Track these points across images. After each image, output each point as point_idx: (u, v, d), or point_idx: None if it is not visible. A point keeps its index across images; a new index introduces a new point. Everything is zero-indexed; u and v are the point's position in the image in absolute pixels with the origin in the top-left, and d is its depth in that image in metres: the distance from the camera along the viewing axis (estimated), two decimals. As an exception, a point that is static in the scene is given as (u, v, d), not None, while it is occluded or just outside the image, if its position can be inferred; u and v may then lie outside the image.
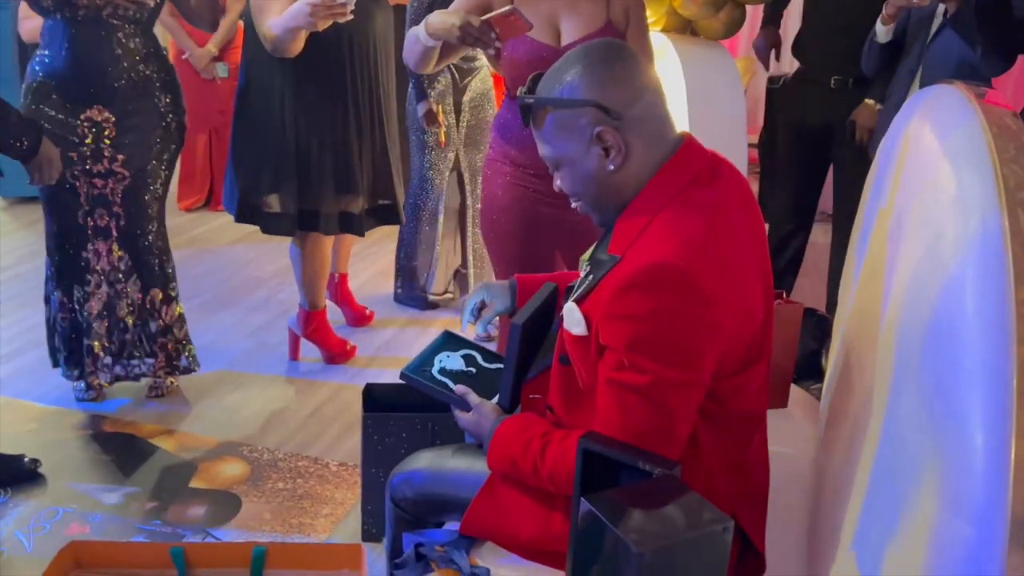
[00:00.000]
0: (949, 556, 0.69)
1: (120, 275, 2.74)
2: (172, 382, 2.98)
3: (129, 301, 2.77)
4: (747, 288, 1.31)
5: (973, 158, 0.97)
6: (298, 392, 3.09)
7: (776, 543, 1.43)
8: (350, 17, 2.60)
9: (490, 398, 1.51)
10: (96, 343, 2.76)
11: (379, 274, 4.11)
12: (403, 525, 1.62)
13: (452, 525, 1.58)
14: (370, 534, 2.24)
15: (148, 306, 2.80)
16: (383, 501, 1.92)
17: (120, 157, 2.62)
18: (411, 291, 3.76)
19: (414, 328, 3.63)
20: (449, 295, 3.82)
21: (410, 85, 3.43)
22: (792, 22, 3.75)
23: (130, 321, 2.79)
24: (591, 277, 1.33)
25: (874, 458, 1.02)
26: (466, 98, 3.47)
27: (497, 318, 1.67)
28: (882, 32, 2.52)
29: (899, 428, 0.92)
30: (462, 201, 3.64)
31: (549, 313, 1.53)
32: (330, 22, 2.63)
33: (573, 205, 1.42)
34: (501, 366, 1.56)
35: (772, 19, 3.42)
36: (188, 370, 2.92)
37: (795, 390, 2.01)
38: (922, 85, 2.39)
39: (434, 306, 3.75)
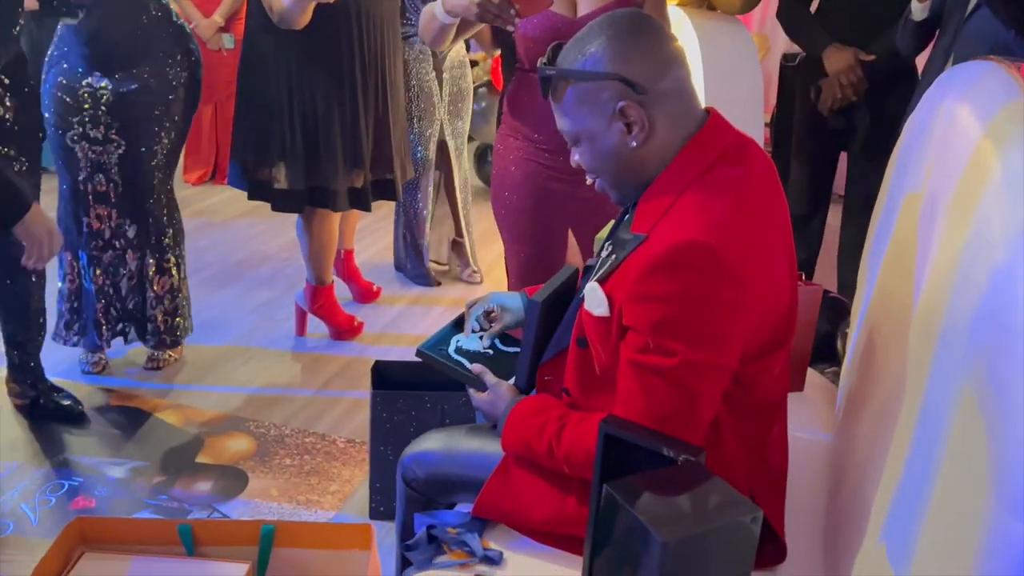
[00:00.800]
0: (1007, 555, 0.66)
1: (119, 242, 2.76)
2: (170, 355, 2.97)
3: (126, 268, 2.78)
4: (775, 269, 1.27)
5: (1019, 138, 0.93)
6: (304, 368, 3.07)
7: (793, 529, 1.40)
8: None
9: (506, 380, 1.48)
10: (98, 308, 2.79)
11: (385, 249, 4.08)
12: (414, 505, 1.60)
13: (464, 506, 1.55)
14: (378, 512, 2.23)
15: (143, 275, 2.81)
16: (391, 479, 1.90)
17: (116, 124, 2.63)
18: (417, 268, 3.75)
19: (421, 305, 3.60)
20: (444, 267, 3.87)
21: None
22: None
23: (125, 288, 2.81)
24: (614, 256, 1.29)
25: (910, 447, 0.99)
26: (446, 64, 3.49)
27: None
28: (918, 10, 2.44)
29: (940, 418, 0.88)
30: (448, 170, 3.66)
31: (568, 294, 1.49)
32: (340, -7, 2.58)
33: (589, 182, 1.38)
34: (519, 350, 1.53)
35: None
36: (174, 344, 2.93)
37: (811, 373, 1.98)
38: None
39: (437, 283, 3.74)
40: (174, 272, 2.85)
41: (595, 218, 2.03)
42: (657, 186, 1.27)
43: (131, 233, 2.76)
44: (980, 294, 0.85)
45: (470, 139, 4.20)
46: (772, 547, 1.38)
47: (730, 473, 1.26)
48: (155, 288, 2.82)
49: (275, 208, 2.96)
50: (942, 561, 0.84)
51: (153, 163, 2.72)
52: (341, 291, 3.42)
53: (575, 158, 1.36)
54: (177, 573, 1.58)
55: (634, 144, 1.26)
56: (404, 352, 3.08)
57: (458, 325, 1.64)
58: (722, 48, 2.85)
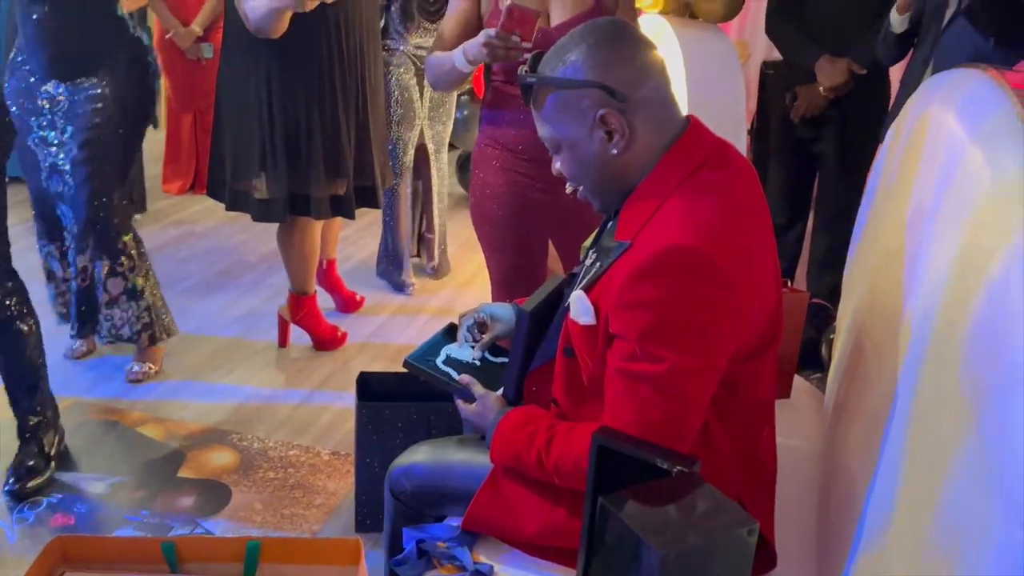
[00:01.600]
0: (1006, 562, 0.65)
1: (75, 243, 2.82)
2: (150, 367, 2.96)
3: (77, 268, 2.83)
4: (761, 272, 1.28)
5: (1010, 145, 0.94)
6: (288, 379, 3.04)
7: (782, 536, 1.40)
8: None
9: (495, 391, 1.47)
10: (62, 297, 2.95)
11: (369, 258, 4.06)
12: (403, 519, 1.58)
13: (453, 519, 1.54)
14: (364, 525, 2.20)
15: (94, 276, 2.83)
16: (377, 491, 1.88)
17: (69, 128, 2.69)
18: (394, 275, 3.75)
19: (405, 314, 3.58)
20: (416, 259, 3.96)
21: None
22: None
23: (77, 287, 2.85)
24: (598, 264, 1.29)
25: (905, 457, 0.98)
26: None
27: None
28: (897, 21, 2.46)
29: (937, 430, 0.88)
30: (426, 173, 3.72)
31: (556, 304, 1.48)
32: (317, 2, 2.56)
33: (570, 190, 1.37)
34: (507, 360, 1.52)
35: None
36: (131, 342, 2.93)
37: (797, 379, 1.99)
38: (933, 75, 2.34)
39: (412, 290, 3.76)
40: (128, 276, 2.83)
41: (574, 227, 2.02)
42: (639, 193, 1.27)
43: (85, 236, 2.78)
44: (975, 303, 0.85)
45: (452, 147, 4.19)
46: (762, 554, 1.37)
47: (722, 476, 1.26)
48: (108, 290, 2.82)
49: (256, 219, 2.94)
50: (935, 569, 0.83)
51: (108, 169, 2.73)
52: (323, 301, 3.40)
53: (556, 166, 1.35)
54: (161, 591, 1.55)
55: (615, 151, 1.26)
56: (389, 362, 3.06)
57: (448, 334, 1.62)
58: (704, 57, 2.86)
